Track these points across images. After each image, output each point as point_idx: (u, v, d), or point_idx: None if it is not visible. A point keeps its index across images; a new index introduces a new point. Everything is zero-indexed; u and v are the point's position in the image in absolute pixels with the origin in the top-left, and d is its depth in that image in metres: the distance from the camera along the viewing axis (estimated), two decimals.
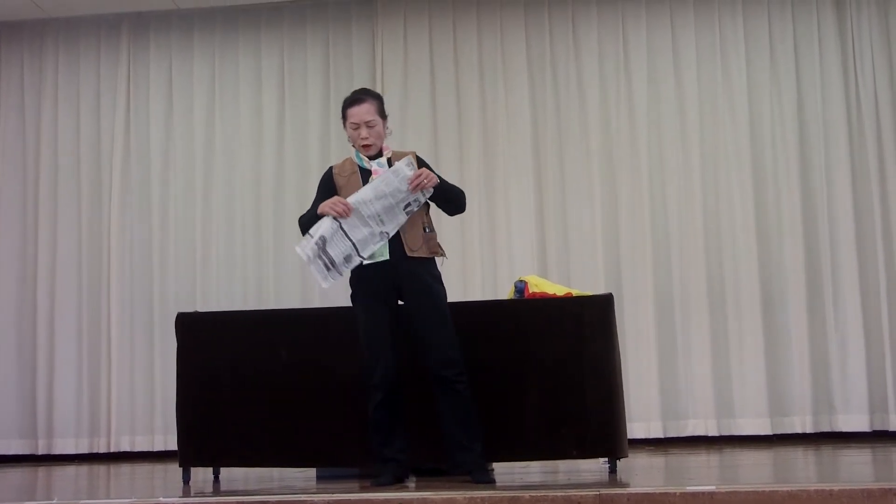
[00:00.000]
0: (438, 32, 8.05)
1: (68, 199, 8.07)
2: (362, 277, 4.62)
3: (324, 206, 4.56)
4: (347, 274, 4.64)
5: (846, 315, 7.47)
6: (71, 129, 8.15)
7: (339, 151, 7.97)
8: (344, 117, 4.78)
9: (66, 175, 8.09)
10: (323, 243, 4.51)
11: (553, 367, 4.78)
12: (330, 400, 4.94)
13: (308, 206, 4.79)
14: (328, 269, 4.54)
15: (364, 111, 4.72)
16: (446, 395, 4.50)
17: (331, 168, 4.84)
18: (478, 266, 7.69)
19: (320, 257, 4.52)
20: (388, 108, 7.85)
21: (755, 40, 7.82)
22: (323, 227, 4.51)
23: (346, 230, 4.53)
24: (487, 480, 4.39)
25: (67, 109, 8.17)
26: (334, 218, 4.52)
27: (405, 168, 4.56)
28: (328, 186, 4.74)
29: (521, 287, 5.10)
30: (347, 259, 4.54)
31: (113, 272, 7.92)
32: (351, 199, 4.52)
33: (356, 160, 4.76)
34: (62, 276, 7.96)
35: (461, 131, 7.90)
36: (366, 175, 4.67)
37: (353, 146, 4.77)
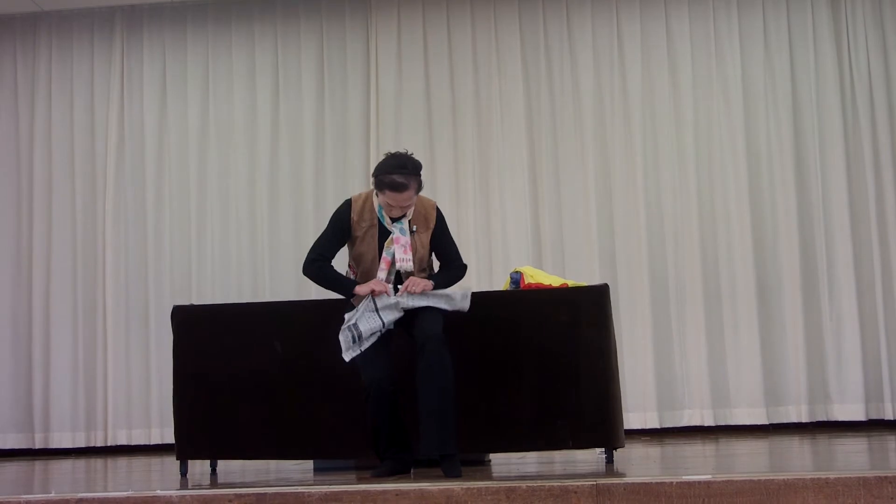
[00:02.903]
0: (432, 24, 8.05)
1: (62, 192, 8.06)
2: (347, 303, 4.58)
3: (363, 290, 4.45)
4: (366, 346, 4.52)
5: (841, 304, 7.49)
6: (64, 123, 8.14)
7: (333, 145, 7.98)
8: (380, 188, 4.43)
9: (60, 168, 8.09)
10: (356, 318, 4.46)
11: (549, 358, 4.78)
12: (326, 392, 4.93)
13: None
14: (353, 341, 4.48)
15: (405, 198, 4.43)
16: (423, 358, 4.34)
17: (349, 206, 4.59)
18: (473, 257, 7.70)
19: (350, 329, 4.48)
20: (383, 101, 7.98)
21: (750, 31, 7.83)
22: (363, 307, 4.45)
23: (379, 308, 4.48)
24: (455, 474, 4.23)
25: (61, 103, 8.16)
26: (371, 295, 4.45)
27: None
28: (344, 227, 4.57)
29: (516, 278, 5.10)
30: (373, 335, 4.49)
31: (108, 266, 7.92)
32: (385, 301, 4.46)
33: (377, 214, 4.56)
34: (57, 271, 7.96)
35: (455, 124, 7.90)
36: (384, 233, 4.54)
37: (380, 204, 4.52)
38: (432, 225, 4.64)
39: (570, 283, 5.15)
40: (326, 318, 5.00)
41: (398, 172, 4.39)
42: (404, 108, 7.95)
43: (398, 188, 4.39)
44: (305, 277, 4.73)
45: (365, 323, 4.45)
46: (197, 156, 8.05)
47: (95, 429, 7.79)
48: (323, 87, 8.04)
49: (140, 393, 7.80)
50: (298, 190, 7.96)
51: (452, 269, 4.72)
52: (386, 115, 7.95)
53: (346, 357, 4.48)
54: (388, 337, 4.52)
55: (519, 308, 4.90)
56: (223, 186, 8.00)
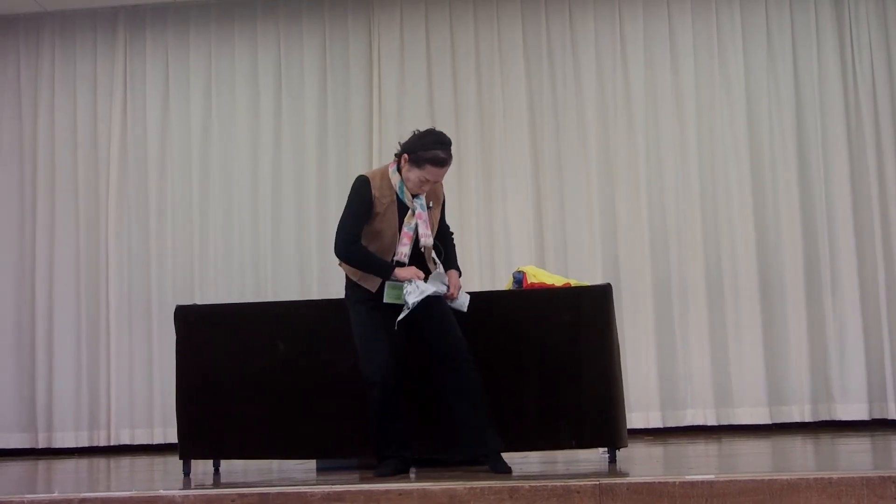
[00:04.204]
0: (435, 24, 8.04)
1: (65, 192, 8.06)
2: (364, 292, 4.58)
3: (406, 274, 4.47)
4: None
5: (844, 304, 7.48)
6: (68, 124, 8.15)
7: (335, 145, 7.98)
8: (419, 164, 4.48)
9: (63, 169, 8.09)
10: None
11: (552, 358, 4.78)
12: (329, 391, 4.94)
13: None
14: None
15: (443, 174, 4.52)
16: (458, 375, 4.46)
17: (368, 182, 4.57)
18: (476, 257, 7.70)
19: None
20: (385, 100, 7.98)
21: (752, 30, 7.81)
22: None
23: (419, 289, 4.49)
24: (505, 470, 4.38)
25: (64, 103, 8.17)
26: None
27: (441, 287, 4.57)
28: (367, 200, 4.54)
29: (519, 277, 5.10)
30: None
31: (111, 265, 7.92)
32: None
33: (397, 190, 4.57)
34: (60, 270, 7.96)
35: (458, 123, 7.89)
36: (402, 209, 4.55)
37: (402, 179, 4.55)
38: (441, 201, 4.71)
39: (573, 282, 5.15)
40: (329, 317, 5.01)
41: (440, 148, 4.47)
42: (406, 107, 7.94)
43: (441, 163, 4.46)
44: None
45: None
46: (200, 155, 8.05)
47: (98, 428, 7.79)
48: (325, 87, 8.04)
49: (143, 392, 7.80)
50: (301, 190, 7.96)
51: (451, 245, 4.81)
52: (388, 115, 7.95)
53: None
54: (391, 333, 4.52)
55: (521, 308, 4.90)
56: (226, 186, 8.00)
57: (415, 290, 4.45)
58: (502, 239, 7.77)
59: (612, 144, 7.78)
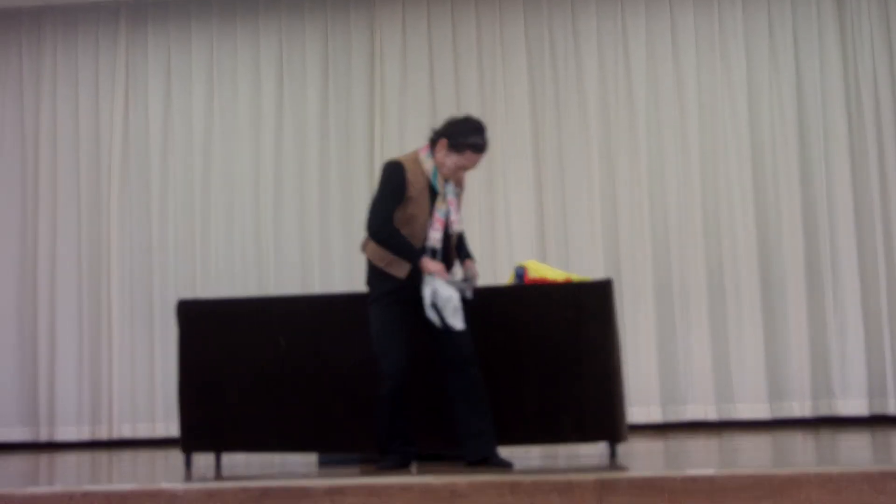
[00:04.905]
0: (437, 20, 8.04)
1: (67, 187, 8.07)
2: (388, 281, 4.57)
3: (433, 267, 4.46)
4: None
5: (845, 299, 7.49)
6: (69, 118, 8.15)
7: (337, 139, 7.98)
8: (459, 150, 4.53)
9: (65, 163, 8.10)
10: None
11: (553, 352, 4.79)
12: (331, 385, 4.95)
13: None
14: (453, 312, 4.50)
15: (480, 160, 4.61)
16: (462, 379, 4.51)
17: (402, 166, 4.57)
18: (477, 252, 7.65)
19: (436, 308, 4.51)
20: (387, 94, 7.98)
21: (754, 25, 7.81)
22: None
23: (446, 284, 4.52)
24: (504, 464, 4.44)
25: (66, 98, 8.17)
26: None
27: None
28: (401, 184, 4.53)
29: (520, 272, 5.11)
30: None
31: (113, 259, 7.93)
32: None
33: (431, 178, 4.60)
34: (62, 264, 7.97)
35: None
36: (433, 194, 4.58)
37: (436, 165, 4.58)
38: (464, 188, 4.76)
39: (574, 277, 5.16)
40: (331, 312, 5.02)
41: (479, 135, 4.56)
42: (408, 103, 7.95)
43: (481, 150, 4.55)
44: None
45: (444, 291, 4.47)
46: (201, 150, 8.05)
47: (100, 422, 7.80)
48: (327, 82, 8.04)
49: (145, 386, 7.82)
50: (303, 184, 7.96)
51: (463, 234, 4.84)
52: (390, 109, 7.95)
53: (459, 325, 4.46)
54: (408, 330, 4.54)
55: (523, 303, 4.91)
56: (228, 181, 8.01)
57: (434, 293, 4.46)
58: (504, 234, 7.77)
59: (613, 140, 7.79)
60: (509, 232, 7.77)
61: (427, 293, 4.47)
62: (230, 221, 7.97)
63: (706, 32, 7.84)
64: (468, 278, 4.63)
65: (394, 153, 7.92)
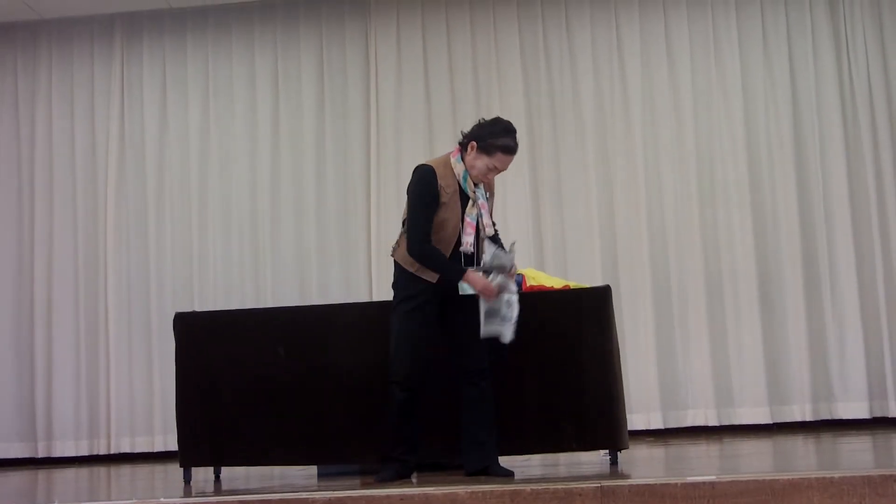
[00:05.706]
0: (431, 28, 8.05)
1: (64, 199, 8.06)
2: (417, 283, 4.54)
3: (479, 284, 4.45)
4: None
5: (844, 303, 7.48)
6: (65, 130, 8.14)
7: (333, 149, 7.97)
8: (490, 152, 4.50)
9: (61, 176, 8.08)
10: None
11: (552, 360, 4.78)
12: (330, 397, 4.93)
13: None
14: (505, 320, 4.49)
15: (510, 162, 4.58)
16: (474, 390, 4.52)
17: (433, 172, 4.52)
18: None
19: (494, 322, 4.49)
20: (383, 104, 7.98)
21: (748, 32, 7.82)
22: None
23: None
24: (505, 473, 4.43)
25: (61, 110, 8.16)
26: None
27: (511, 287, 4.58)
28: (435, 191, 4.49)
29: (518, 280, 5.09)
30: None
31: (110, 273, 7.91)
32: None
33: (462, 182, 4.56)
34: (59, 278, 7.95)
35: (456, 127, 7.84)
36: (464, 198, 4.55)
37: (466, 167, 4.55)
38: (494, 192, 4.75)
39: (572, 284, 5.15)
40: (329, 323, 5.00)
41: (509, 136, 4.52)
42: (404, 111, 7.95)
43: (512, 151, 4.53)
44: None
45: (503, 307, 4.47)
46: (197, 162, 8.05)
47: (98, 437, 7.77)
48: (323, 92, 8.04)
49: (143, 400, 7.79)
50: (299, 194, 7.96)
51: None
52: (386, 119, 7.95)
53: (509, 336, 4.45)
54: (426, 338, 4.53)
55: (521, 310, 4.88)
56: (224, 192, 8.00)
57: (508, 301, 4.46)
58: (501, 241, 7.74)
59: (609, 147, 7.79)
60: (506, 239, 7.73)
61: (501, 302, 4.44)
62: (227, 233, 7.96)
63: (700, 38, 7.85)
64: (509, 252, 4.57)
65: (390, 163, 8.00)
